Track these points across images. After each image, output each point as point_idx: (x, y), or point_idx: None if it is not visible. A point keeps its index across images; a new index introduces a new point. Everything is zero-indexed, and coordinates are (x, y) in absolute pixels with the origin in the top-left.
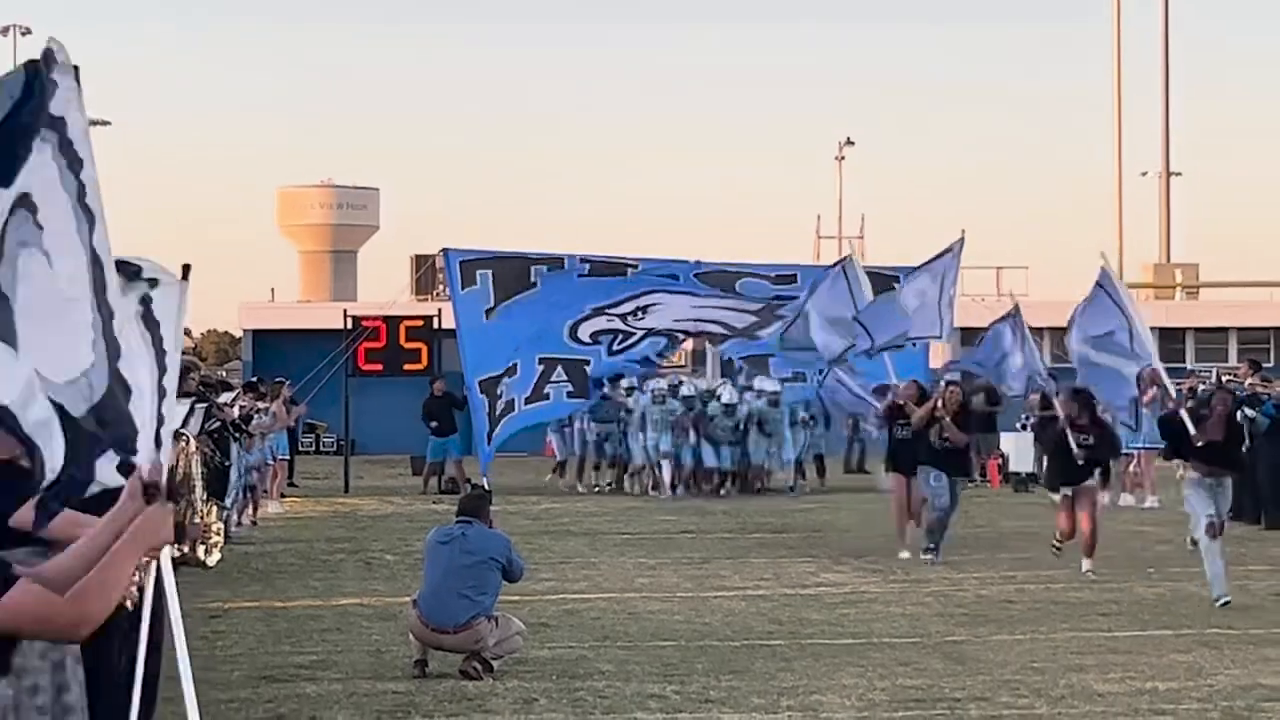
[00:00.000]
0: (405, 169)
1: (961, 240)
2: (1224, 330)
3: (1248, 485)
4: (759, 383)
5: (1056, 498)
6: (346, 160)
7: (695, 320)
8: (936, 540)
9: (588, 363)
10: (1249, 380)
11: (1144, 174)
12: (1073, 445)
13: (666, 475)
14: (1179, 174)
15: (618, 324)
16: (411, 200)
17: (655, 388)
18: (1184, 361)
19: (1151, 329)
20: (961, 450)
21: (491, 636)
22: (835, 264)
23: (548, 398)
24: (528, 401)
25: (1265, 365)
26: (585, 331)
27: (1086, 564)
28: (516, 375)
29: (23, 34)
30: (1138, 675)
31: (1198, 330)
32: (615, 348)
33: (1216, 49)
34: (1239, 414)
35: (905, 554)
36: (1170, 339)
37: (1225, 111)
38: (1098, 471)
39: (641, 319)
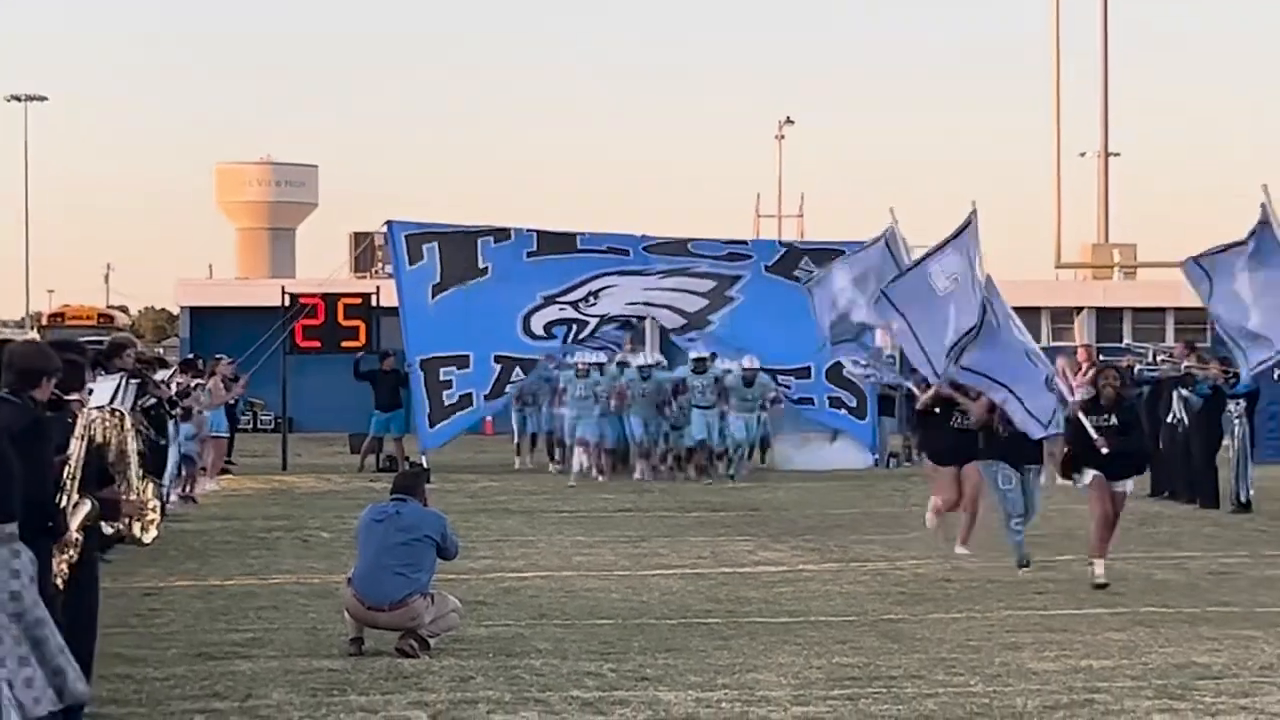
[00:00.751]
0: (344, 146)
1: (974, 211)
2: (1161, 310)
3: (1181, 466)
4: (744, 360)
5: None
6: (285, 137)
7: (646, 304)
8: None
9: (549, 358)
10: (1185, 362)
11: (1082, 154)
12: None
13: (577, 460)
14: (1117, 154)
15: (570, 312)
16: (350, 178)
17: (581, 360)
18: (1121, 341)
19: (1089, 309)
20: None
21: (427, 614)
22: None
23: (507, 394)
24: (487, 398)
25: (1201, 345)
26: (539, 323)
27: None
28: (470, 369)
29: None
30: (1073, 653)
31: (1135, 310)
32: (571, 339)
33: (1154, 30)
34: (1176, 396)
35: (963, 550)
36: (1108, 319)
37: (1163, 92)
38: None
39: (594, 305)
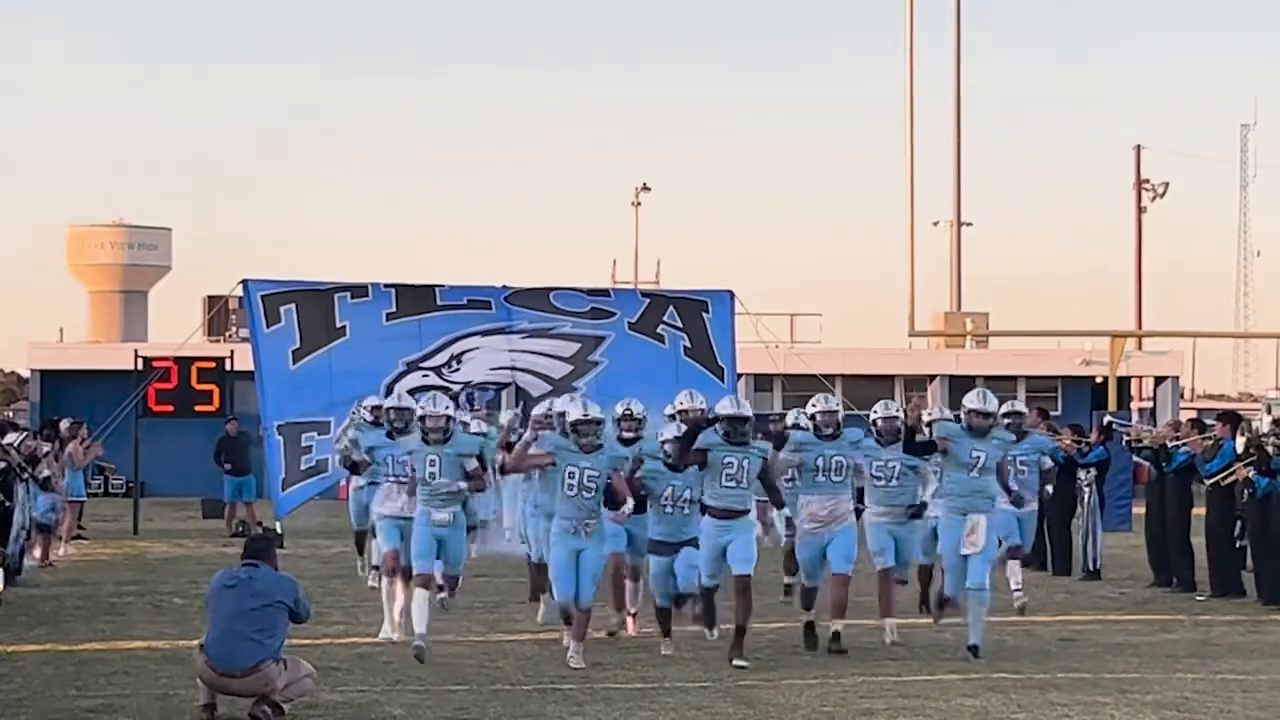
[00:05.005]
0: (197, 209)
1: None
2: (1013, 378)
3: (1037, 532)
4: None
5: None
6: (138, 200)
7: (511, 369)
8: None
9: None
10: (1038, 429)
11: (935, 223)
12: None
13: None
14: (970, 224)
15: (433, 379)
16: (204, 241)
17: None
18: None
19: (942, 377)
20: None
21: (280, 679)
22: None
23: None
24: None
25: (1053, 414)
26: (401, 391)
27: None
28: (330, 435)
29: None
30: (925, 719)
31: (988, 378)
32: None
33: (1006, 103)
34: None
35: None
36: (960, 386)
37: (1015, 164)
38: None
39: (457, 370)
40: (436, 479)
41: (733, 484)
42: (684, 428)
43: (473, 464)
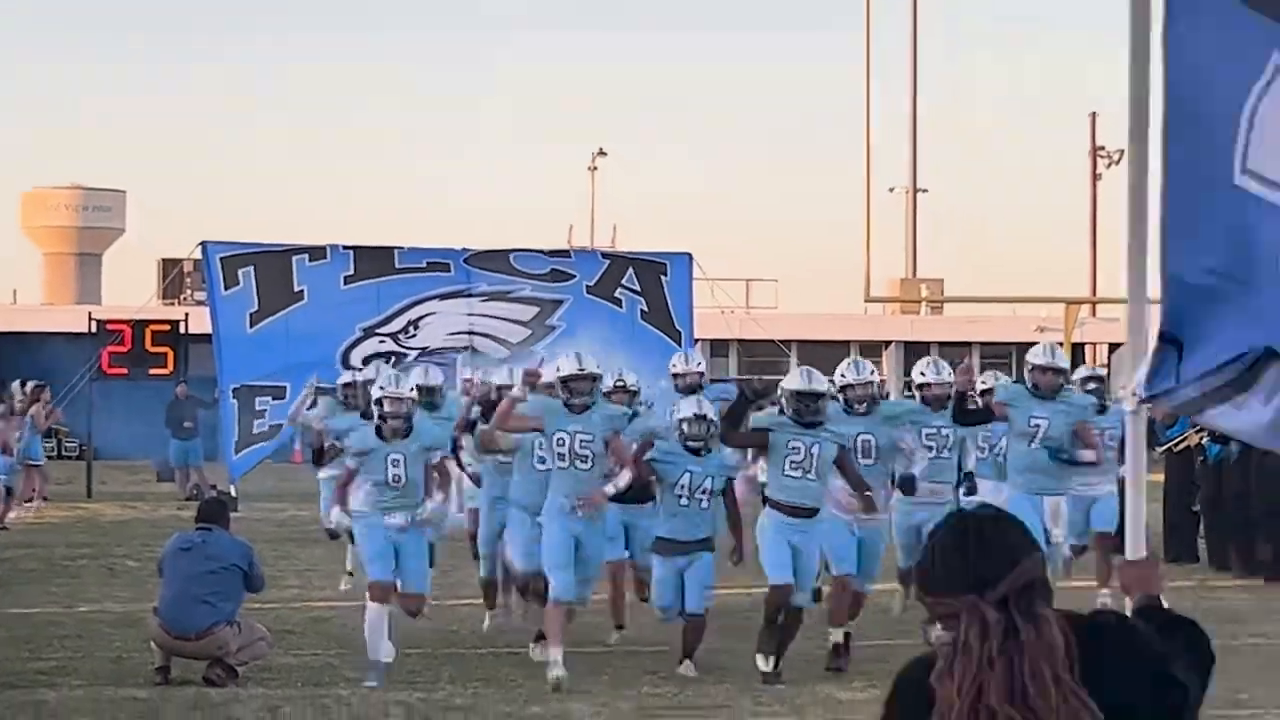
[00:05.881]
0: (153, 172)
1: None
2: (967, 345)
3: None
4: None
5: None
6: (93, 162)
7: (469, 333)
8: None
9: None
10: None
11: (891, 190)
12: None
13: None
14: (925, 190)
15: (390, 345)
16: (159, 203)
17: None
18: None
19: (897, 343)
20: None
21: (235, 642)
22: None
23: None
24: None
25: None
26: (357, 358)
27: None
28: (285, 400)
29: None
30: (879, 684)
31: (941, 344)
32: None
33: (964, 67)
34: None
35: None
36: (915, 352)
37: (972, 130)
38: None
39: (413, 336)
40: (402, 482)
41: (798, 473)
42: (702, 402)
43: (435, 457)
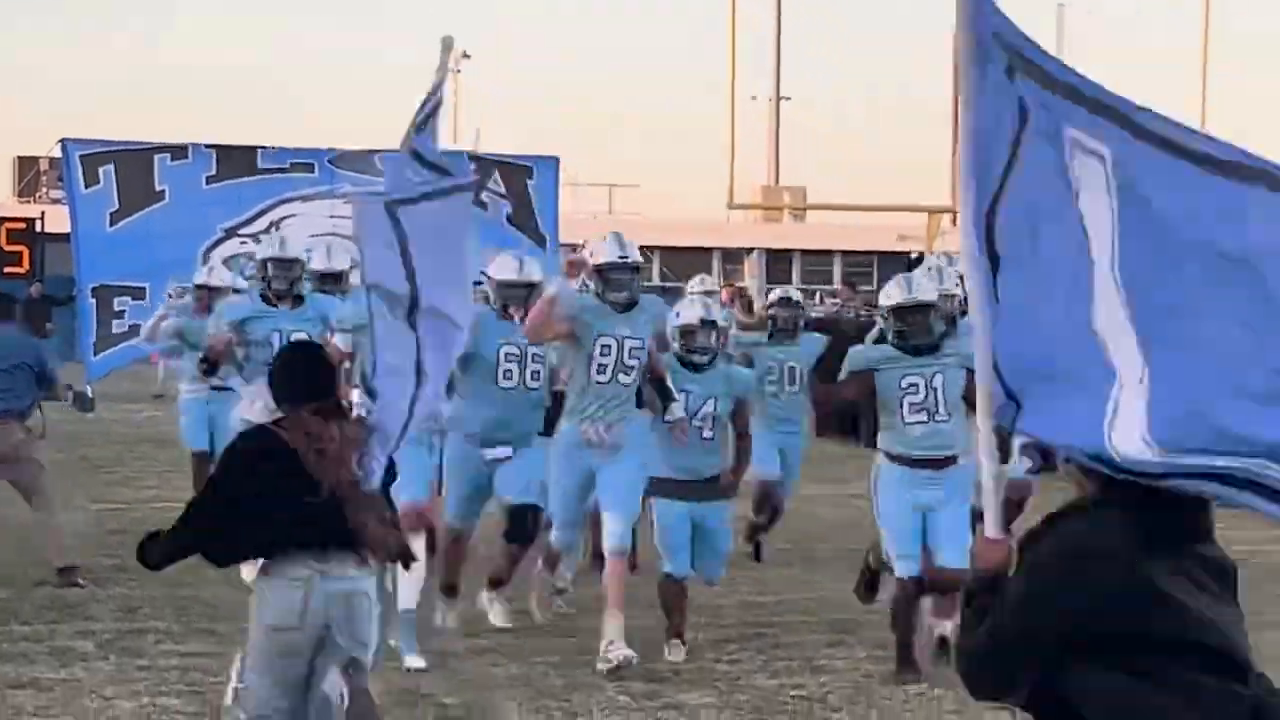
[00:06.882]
0: (8, 67)
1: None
2: (829, 253)
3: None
4: None
5: None
6: None
7: (331, 235)
8: None
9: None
10: (851, 302)
11: (754, 98)
12: None
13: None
14: (788, 98)
15: (251, 246)
16: (15, 101)
17: None
18: (790, 283)
19: (759, 250)
20: None
21: (26, 447)
22: None
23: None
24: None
25: (866, 288)
26: (218, 258)
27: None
28: (145, 301)
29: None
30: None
31: (804, 252)
32: (249, 274)
33: None
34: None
35: None
36: (778, 261)
37: (835, 37)
38: None
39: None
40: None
41: (923, 416)
42: (709, 305)
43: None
